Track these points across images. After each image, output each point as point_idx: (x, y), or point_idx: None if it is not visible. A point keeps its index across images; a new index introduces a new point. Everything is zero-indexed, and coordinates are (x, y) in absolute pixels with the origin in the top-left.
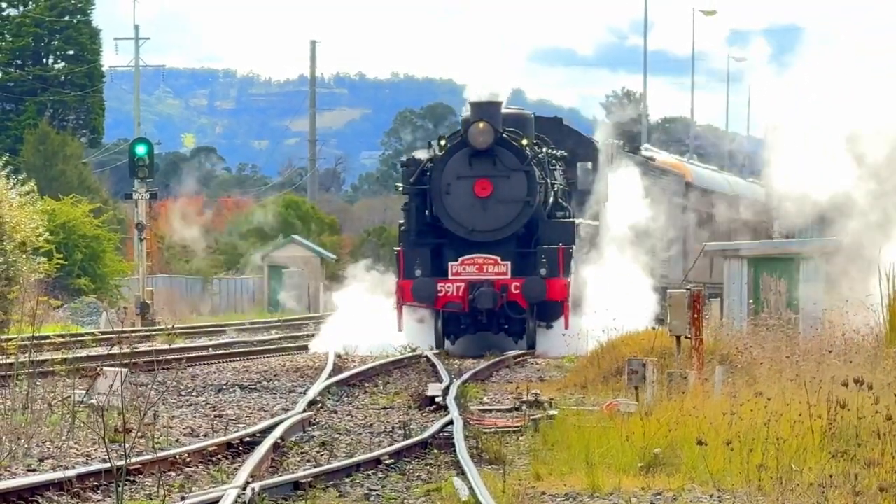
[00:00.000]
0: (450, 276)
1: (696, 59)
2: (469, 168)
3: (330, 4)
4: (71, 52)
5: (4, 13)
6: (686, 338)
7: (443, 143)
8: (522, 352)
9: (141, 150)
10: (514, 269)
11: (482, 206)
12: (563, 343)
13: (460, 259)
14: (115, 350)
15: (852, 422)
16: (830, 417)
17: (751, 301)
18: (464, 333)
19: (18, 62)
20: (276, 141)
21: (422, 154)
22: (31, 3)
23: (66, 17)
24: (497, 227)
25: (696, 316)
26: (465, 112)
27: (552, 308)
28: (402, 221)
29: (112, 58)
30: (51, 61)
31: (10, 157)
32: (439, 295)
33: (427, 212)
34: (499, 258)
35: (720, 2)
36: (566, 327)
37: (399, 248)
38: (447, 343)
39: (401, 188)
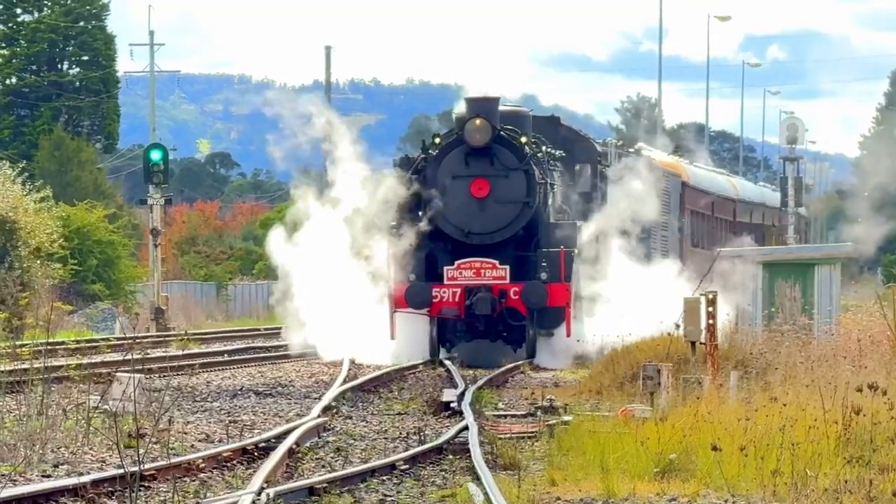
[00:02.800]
0: (445, 281)
1: (711, 65)
2: (465, 167)
3: (345, 10)
4: (86, 58)
5: (19, 19)
6: (701, 343)
7: (437, 140)
8: (521, 362)
9: (156, 155)
10: (513, 273)
11: (479, 207)
12: (565, 352)
13: (456, 263)
14: (130, 356)
15: (867, 427)
16: (845, 423)
17: (770, 308)
18: (460, 341)
19: (33, 68)
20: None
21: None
22: (46, 8)
23: (81, 23)
24: (495, 230)
25: (710, 321)
26: (461, 109)
27: (553, 314)
28: (394, 223)
29: (127, 63)
30: (66, 67)
31: (26, 163)
32: (434, 301)
33: (421, 213)
34: (497, 262)
35: (735, 7)
36: (568, 335)
37: (391, 252)
38: (442, 352)
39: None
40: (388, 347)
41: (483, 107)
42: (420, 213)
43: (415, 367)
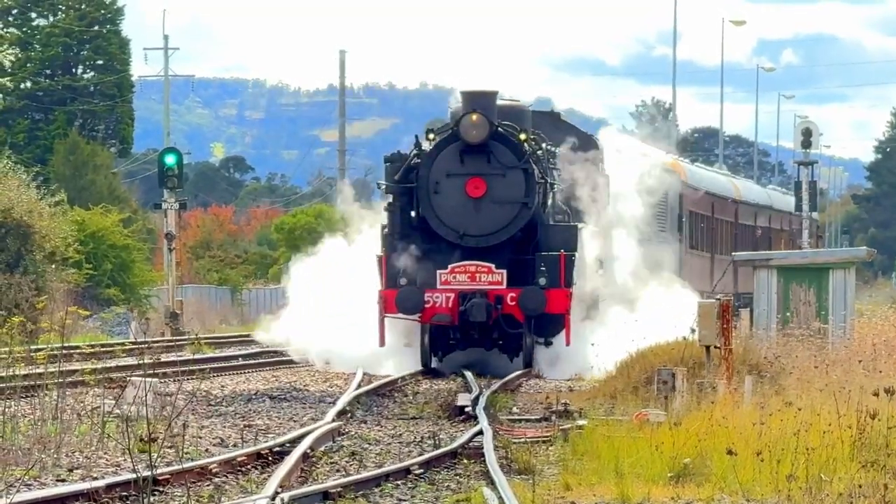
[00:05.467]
0: (438, 286)
1: (725, 69)
2: (460, 165)
3: (359, 14)
4: (100, 62)
5: (34, 23)
6: (715, 347)
7: (431, 136)
8: (518, 373)
9: (170, 160)
10: (510, 278)
11: (475, 208)
12: (565, 362)
13: (450, 266)
14: (143, 360)
15: (882, 432)
16: (860, 427)
17: (786, 313)
18: (452, 350)
19: (48, 72)
20: (305, 151)
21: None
22: (60, 12)
23: (96, 27)
24: (491, 232)
25: (725, 326)
26: (456, 103)
27: (552, 322)
28: (384, 224)
29: (141, 68)
30: (80, 71)
31: (40, 167)
32: (427, 306)
33: (413, 213)
34: (493, 266)
35: (748, 11)
36: (567, 343)
37: (381, 254)
38: (434, 361)
39: (383, 186)
40: (380, 355)
41: (480, 101)
42: (412, 214)
43: (428, 371)
